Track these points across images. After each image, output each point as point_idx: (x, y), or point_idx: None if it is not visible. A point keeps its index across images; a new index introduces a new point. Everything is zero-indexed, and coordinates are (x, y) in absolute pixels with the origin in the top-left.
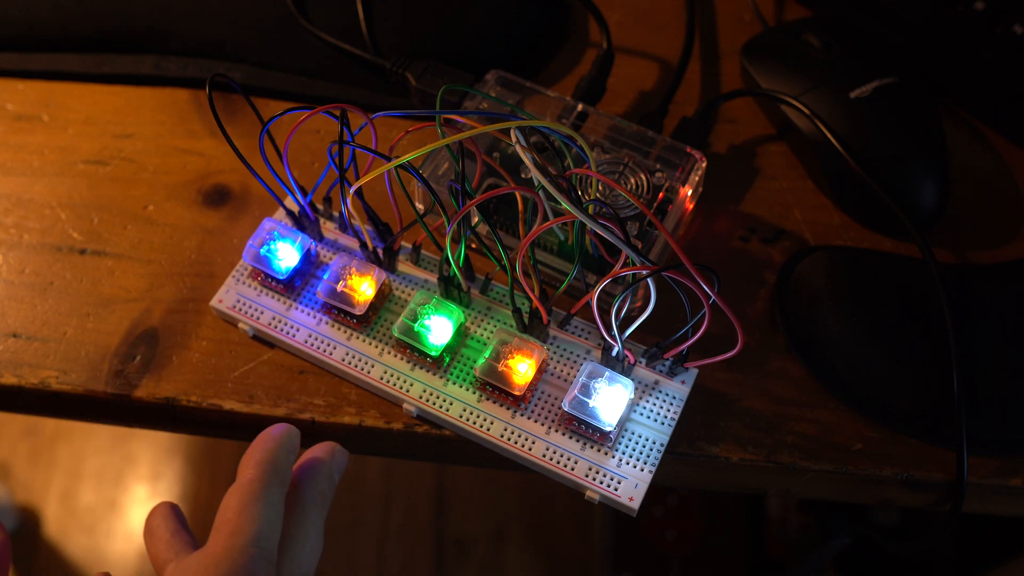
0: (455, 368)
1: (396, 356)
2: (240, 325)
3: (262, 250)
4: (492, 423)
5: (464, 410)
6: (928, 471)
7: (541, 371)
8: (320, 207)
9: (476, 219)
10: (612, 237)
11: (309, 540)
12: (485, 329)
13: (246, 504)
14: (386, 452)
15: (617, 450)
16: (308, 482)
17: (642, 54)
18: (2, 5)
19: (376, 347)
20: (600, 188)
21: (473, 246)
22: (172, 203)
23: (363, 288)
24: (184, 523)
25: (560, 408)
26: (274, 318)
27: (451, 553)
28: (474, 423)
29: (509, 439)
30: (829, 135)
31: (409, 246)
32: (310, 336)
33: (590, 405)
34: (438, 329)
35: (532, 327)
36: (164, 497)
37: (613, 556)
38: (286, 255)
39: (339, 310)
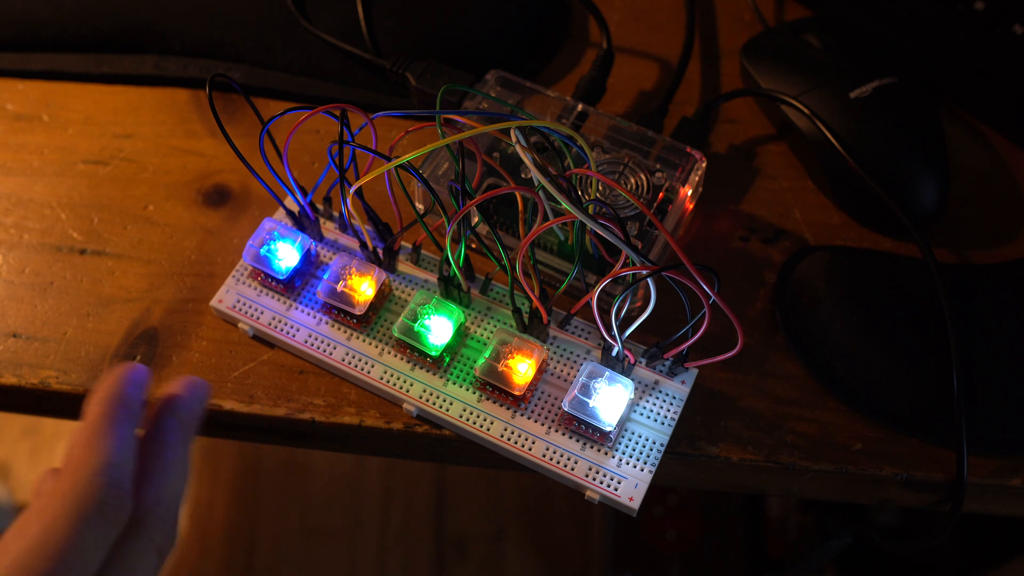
0: (455, 368)
1: (396, 356)
2: (240, 325)
3: (262, 250)
4: (492, 423)
5: (464, 410)
6: (928, 471)
7: (541, 371)
8: (320, 207)
9: (476, 219)
10: (612, 237)
11: (170, 468)
12: (485, 329)
13: (91, 437)
14: (386, 452)
15: (617, 450)
16: (165, 414)
17: (642, 54)
18: (2, 5)
19: (376, 347)
20: (600, 188)
21: (473, 246)
22: (172, 203)
23: (363, 288)
24: None
25: (560, 408)
26: (274, 318)
27: (451, 553)
28: (474, 423)
29: (509, 439)
30: (829, 135)
31: (409, 246)
32: (310, 336)
33: (590, 405)
34: (438, 329)
35: (532, 327)
36: None
37: (613, 556)
38: (286, 255)
39: (339, 310)
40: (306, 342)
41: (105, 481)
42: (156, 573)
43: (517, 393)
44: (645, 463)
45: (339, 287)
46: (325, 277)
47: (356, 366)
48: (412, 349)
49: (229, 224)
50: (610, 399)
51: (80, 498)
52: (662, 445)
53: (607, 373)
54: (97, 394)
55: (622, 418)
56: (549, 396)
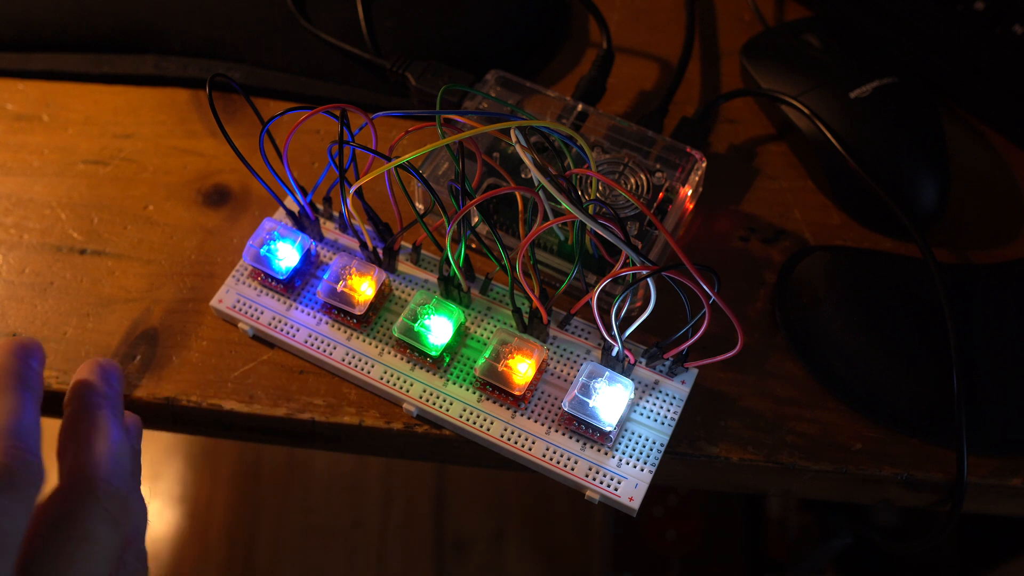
0: (455, 368)
1: (396, 356)
2: (240, 325)
3: (262, 250)
4: (492, 423)
5: (464, 410)
6: (928, 471)
7: (541, 371)
8: (320, 207)
9: (476, 219)
10: (612, 237)
11: (100, 434)
12: (485, 329)
13: None
14: (386, 452)
15: (617, 450)
16: (81, 389)
17: (642, 54)
18: (2, 5)
19: (376, 347)
20: (600, 188)
21: (473, 246)
22: (172, 203)
23: (363, 288)
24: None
25: (560, 408)
26: (274, 318)
27: (451, 553)
28: (474, 423)
29: (509, 439)
30: (829, 135)
31: (409, 246)
32: (310, 336)
33: (590, 405)
34: (438, 329)
35: (532, 327)
36: (164, 497)
37: (613, 556)
38: (286, 255)
39: (339, 310)
40: (306, 342)
41: (14, 444)
42: (117, 548)
43: (517, 393)
44: (645, 463)
45: (339, 287)
46: (325, 277)
47: (356, 366)
48: (412, 349)
49: (229, 224)
50: (610, 399)
51: None
52: (662, 445)
53: (607, 373)
54: None
55: (622, 418)
56: (549, 396)
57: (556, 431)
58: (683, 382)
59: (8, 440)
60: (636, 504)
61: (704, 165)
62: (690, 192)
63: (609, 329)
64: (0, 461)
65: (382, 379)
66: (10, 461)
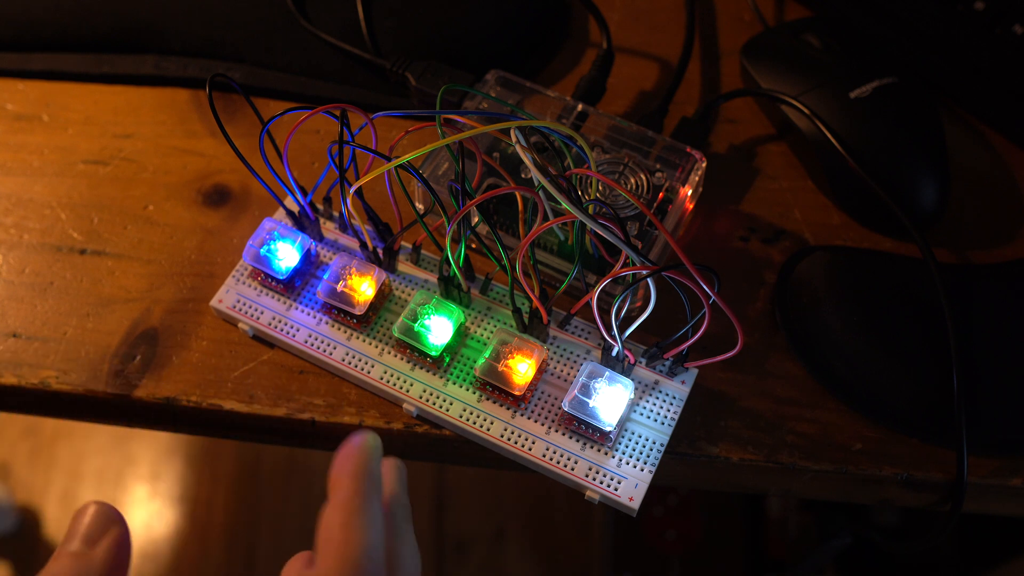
0: (455, 368)
1: (396, 356)
2: (240, 325)
3: (262, 250)
4: (492, 423)
5: (464, 410)
6: (928, 471)
7: (541, 371)
8: (320, 207)
9: (476, 219)
10: (612, 237)
11: (411, 550)
12: (485, 329)
13: (349, 518)
14: (386, 452)
15: (617, 450)
16: (392, 496)
17: (642, 54)
18: (2, 5)
19: (376, 347)
20: (600, 188)
21: (473, 246)
22: (172, 203)
23: (363, 288)
24: None
25: (560, 408)
26: (274, 318)
27: (451, 553)
28: (474, 423)
29: (509, 439)
30: (829, 135)
31: (409, 246)
32: (310, 336)
33: (590, 405)
34: (438, 329)
35: (532, 327)
36: (164, 497)
37: (613, 556)
38: (286, 255)
39: (339, 310)
40: (306, 342)
41: (370, 563)
42: None
43: (517, 393)
44: (645, 463)
45: (339, 287)
46: (325, 277)
47: (356, 366)
48: (412, 349)
49: (229, 224)
50: (610, 399)
51: None
52: (662, 445)
53: (607, 373)
54: (344, 469)
55: (622, 418)
56: (549, 396)
57: (556, 431)
58: (683, 382)
59: (369, 561)
60: (636, 504)
61: (704, 165)
62: (690, 192)
63: (609, 329)
64: None
65: (382, 379)
66: None
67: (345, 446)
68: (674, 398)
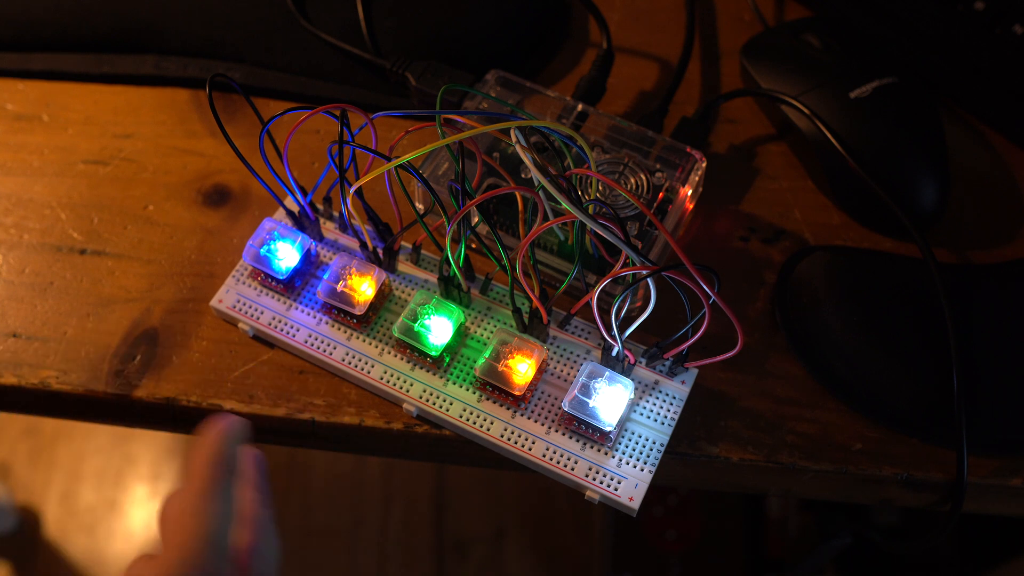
0: (455, 368)
1: (396, 356)
2: (240, 325)
3: (262, 250)
4: (492, 423)
5: (464, 410)
6: (928, 471)
7: (541, 371)
8: (320, 207)
9: (476, 219)
10: (612, 237)
11: (268, 541)
12: (485, 329)
13: (196, 503)
14: (386, 452)
15: (617, 450)
16: (251, 483)
17: (642, 54)
18: (2, 5)
19: (376, 347)
20: (600, 188)
21: (473, 246)
22: (172, 203)
23: (363, 288)
24: None
25: (560, 408)
26: (274, 318)
27: (451, 553)
28: (474, 423)
29: (509, 439)
30: (829, 135)
31: (409, 246)
32: (310, 336)
33: (590, 405)
34: (438, 329)
35: (532, 327)
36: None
37: (613, 556)
38: (286, 255)
39: (339, 310)
40: (306, 342)
41: (213, 553)
42: None
43: (517, 393)
44: (645, 463)
45: (339, 287)
46: (325, 277)
47: (356, 366)
48: (412, 349)
49: (229, 224)
50: (610, 399)
51: (190, 570)
52: (662, 445)
53: (607, 373)
54: (197, 455)
55: (622, 418)
56: (549, 396)
57: (556, 431)
58: (683, 382)
59: (215, 547)
60: (636, 504)
61: (704, 165)
62: (690, 192)
63: (609, 329)
64: (199, 564)
65: (382, 379)
66: (216, 570)
67: (202, 432)
68: (674, 398)
